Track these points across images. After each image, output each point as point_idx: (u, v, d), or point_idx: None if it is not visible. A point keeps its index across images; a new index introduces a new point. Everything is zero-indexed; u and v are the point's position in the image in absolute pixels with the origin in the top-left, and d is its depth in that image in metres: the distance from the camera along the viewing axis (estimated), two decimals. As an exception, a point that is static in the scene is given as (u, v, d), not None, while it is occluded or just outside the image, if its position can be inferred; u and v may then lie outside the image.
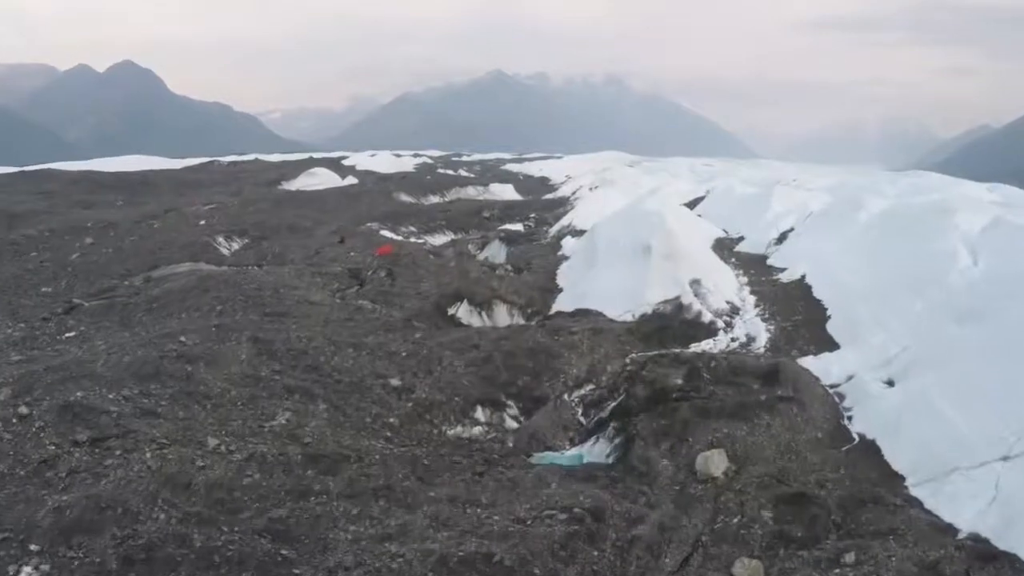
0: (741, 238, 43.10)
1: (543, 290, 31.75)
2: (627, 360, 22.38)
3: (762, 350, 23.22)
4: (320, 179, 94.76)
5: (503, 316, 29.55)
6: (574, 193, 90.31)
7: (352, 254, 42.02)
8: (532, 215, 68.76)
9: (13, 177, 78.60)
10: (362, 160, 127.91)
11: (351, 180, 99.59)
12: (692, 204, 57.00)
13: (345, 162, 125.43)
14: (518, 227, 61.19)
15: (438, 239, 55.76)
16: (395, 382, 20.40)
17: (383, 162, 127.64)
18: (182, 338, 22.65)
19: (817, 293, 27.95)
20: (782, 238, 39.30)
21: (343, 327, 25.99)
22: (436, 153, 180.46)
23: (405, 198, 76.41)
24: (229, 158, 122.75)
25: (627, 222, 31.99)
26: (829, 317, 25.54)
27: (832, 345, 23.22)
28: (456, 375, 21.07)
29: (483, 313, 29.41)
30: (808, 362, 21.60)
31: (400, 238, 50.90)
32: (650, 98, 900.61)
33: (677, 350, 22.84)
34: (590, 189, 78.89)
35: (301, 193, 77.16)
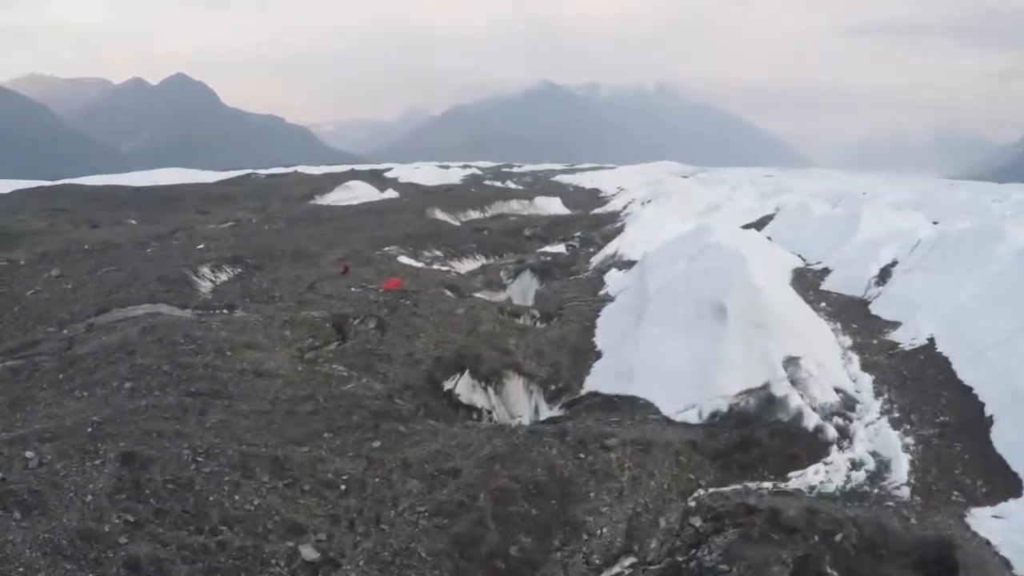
0: (826, 270, 34.06)
1: (575, 353, 23.34)
2: (690, 503, 13.84)
3: (905, 489, 14.32)
4: (355, 193, 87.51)
5: (517, 393, 21.28)
6: (625, 208, 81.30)
7: (352, 289, 34.33)
8: (577, 234, 60.10)
9: (28, 193, 73.62)
10: (405, 172, 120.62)
11: (391, 194, 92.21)
12: (759, 224, 47.91)
13: (388, 174, 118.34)
14: (560, 249, 52.89)
15: (467, 265, 47.77)
16: (309, 553, 12.21)
17: (427, 174, 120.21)
18: (28, 453, 14.97)
19: (963, 374, 18.86)
20: (884, 275, 30.09)
21: (288, 418, 18.02)
22: (486, 164, 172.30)
23: (440, 215, 68.61)
24: (268, 171, 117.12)
25: (690, 263, 23.25)
26: (992, 420, 16.54)
27: (1011, 482, 14.28)
28: (413, 535, 12.76)
29: (490, 389, 21.20)
30: (983, 522, 12.69)
31: (421, 265, 43.08)
32: (701, 107, 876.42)
33: (768, 486, 14.22)
34: (642, 203, 69.95)
35: (329, 209, 70.08)
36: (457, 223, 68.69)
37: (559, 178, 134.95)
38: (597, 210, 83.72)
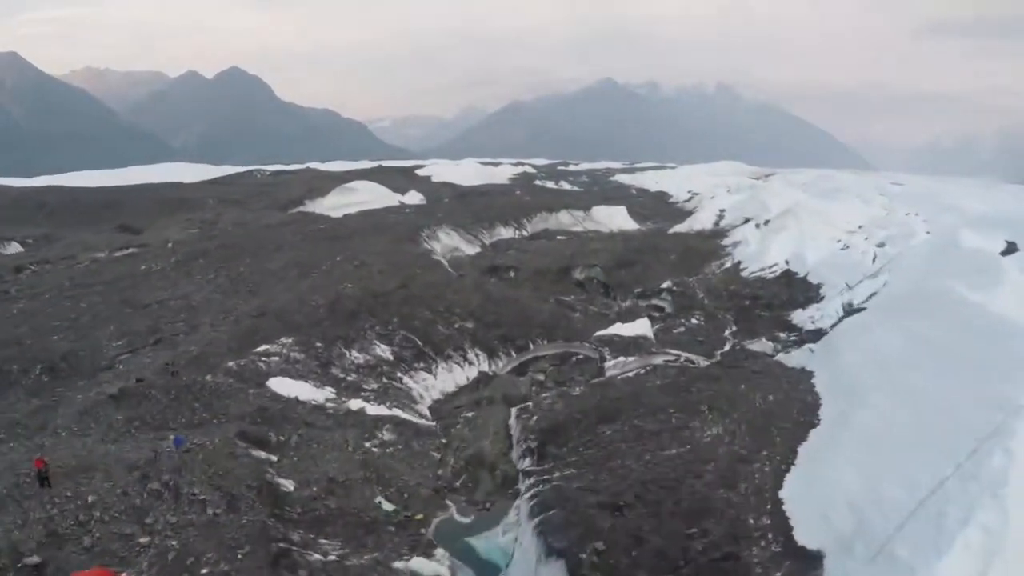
0: None
1: None
2: None
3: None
4: (358, 197, 62.14)
5: None
6: (718, 224, 53.60)
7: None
8: (665, 284, 34.10)
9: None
10: (444, 170, 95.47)
11: (414, 196, 67.33)
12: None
13: (422, 171, 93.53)
14: (640, 329, 26.81)
15: (443, 379, 22.59)
16: None
17: (467, 173, 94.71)
18: None
19: None
20: None
21: None
22: (541, 162, 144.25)
23: (446, 239, 43.04)
24: (273, 167, 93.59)
25: None
26: None
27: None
28: None
29: None
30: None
31: (327, 395, 17.97)
32: (762, 107, 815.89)
33: None
34: (756, 225, 43.12)
35: (293, 226, 45.52)
36: (475, 248, 43.39)
37: (619, 178, 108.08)
38: (678, 228, 57.10)
